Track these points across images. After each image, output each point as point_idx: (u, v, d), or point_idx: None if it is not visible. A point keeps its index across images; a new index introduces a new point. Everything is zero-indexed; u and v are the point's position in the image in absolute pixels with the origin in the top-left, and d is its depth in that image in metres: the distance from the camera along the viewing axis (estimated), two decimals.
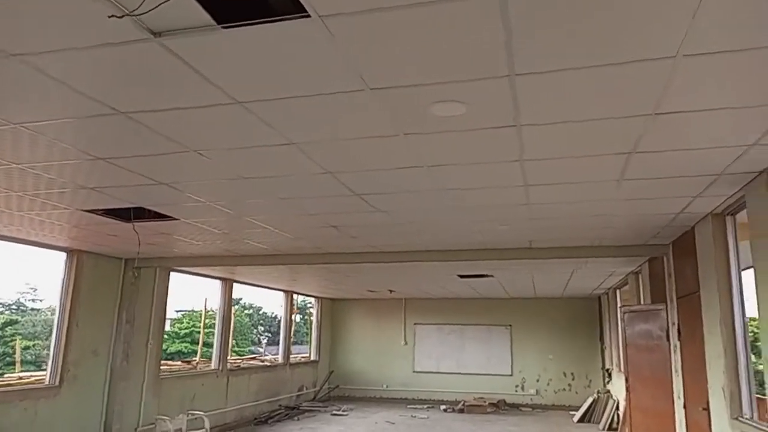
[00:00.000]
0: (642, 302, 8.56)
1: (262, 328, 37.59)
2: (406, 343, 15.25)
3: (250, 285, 11.93)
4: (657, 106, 2.69)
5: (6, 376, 7.47)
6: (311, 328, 15.61)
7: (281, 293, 13.53)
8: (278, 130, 3.03)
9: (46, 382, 6.84)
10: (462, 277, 9.89)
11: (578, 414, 11.97)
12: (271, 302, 46.79)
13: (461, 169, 3.73)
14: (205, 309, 11.98)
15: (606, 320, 12.51)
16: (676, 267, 6.11)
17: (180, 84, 2.47)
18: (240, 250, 7.29)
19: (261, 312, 36.88)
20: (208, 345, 23.35)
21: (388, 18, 1.95)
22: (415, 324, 15.28)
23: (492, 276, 9.75)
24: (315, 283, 12.15)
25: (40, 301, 23.50)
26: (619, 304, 11.36)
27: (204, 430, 7.67)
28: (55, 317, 7.09)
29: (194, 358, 10.61)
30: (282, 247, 6.99)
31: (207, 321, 23.23)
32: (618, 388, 10.96)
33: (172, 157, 3.50)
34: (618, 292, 11.34)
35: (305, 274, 10.33)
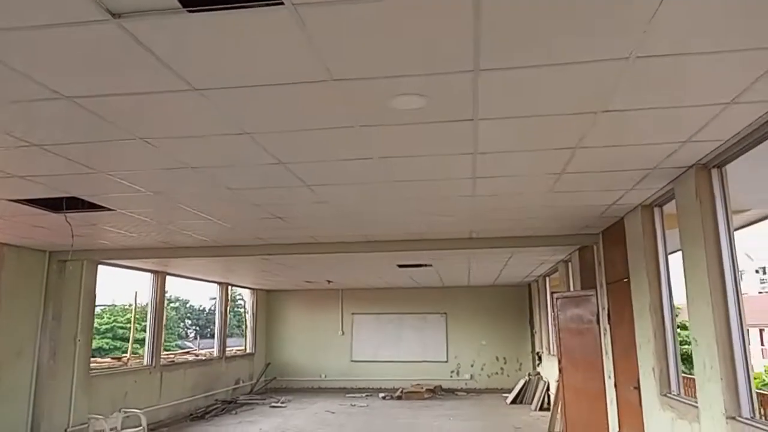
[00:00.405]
0: (572, 289, 9.00)
1: (190, 322, 36.53)
2: (343, 333, 15.30)
3: (183, 277, 11.55)
4: (605, 103, 2.83)
5: None
6: (245, 321, 15.33)
7: (215, 285, 13.21)
8: (234, 119, 2.95)
9: None
10: (401, 266, 10.03)
11: (511, 396, 12.47)
12: (198, 295, 45.51)
13: (412, 161, 3.77)
14: (136, 303, 11.48)
15: (536, 306, 13.07)
16: (606, 255, 6.47)
17: (134, 69, 2.35)
18: (176, 241, 7.04)
19: (188, 305, 35.82)
20: (124, 339, 22.35)
21: (361, 9, 1.94)
22: (352, 314, 15.35)
23: (430, 265, 9.94)
24: (251, 275, 11.93)
25: None
26: (548, 291, 11.91)
27: (141, 428, 7.38)
28: None
29: (124, 355, 10.16)
30: (221, 238, 6.82)
31: (129, 316, 22.30)
32: (548, 370, 11.51)
33: (116, 144, 3.33)
34: (548, 279, 11.86)
35: (242, 265, 10.12)
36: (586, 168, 4.02)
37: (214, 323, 12.65)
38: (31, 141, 3.23)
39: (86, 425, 7.60)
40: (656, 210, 5.12)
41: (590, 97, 2.74)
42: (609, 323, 6.35)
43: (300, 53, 2.24)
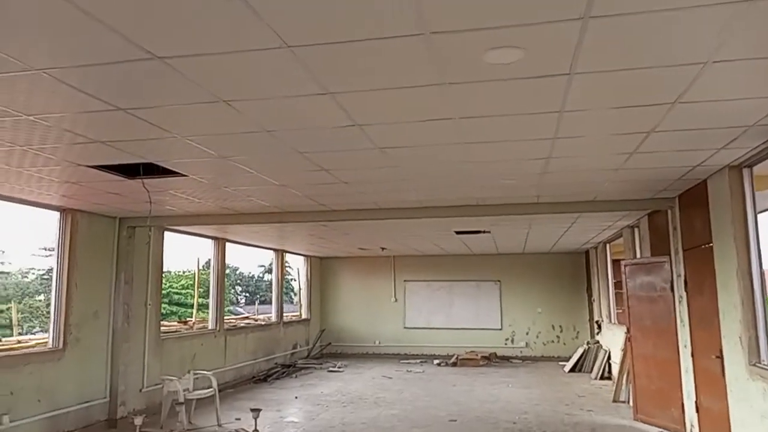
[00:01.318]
0: (639, 255, 8.70)
1: (240, 288, 37.65)
2: (396, 300, 15.39)
3: (241, 244, 11.78)
4: (715, 52, 2.61)
5: (5, 340, 7.28)
6: (299, 287, 15.59)
7: (264, 253, 13.43)
8: (320, 78, 2.87)
9: (50, 346, 6.70)
10: (459, 233, 9.91)
11: (569, 364, 12.33)
12: (247, 262, 46.72)
13: (493, 121, 3.62)
14: (198, 268, 11.81)
15: (594, 274, 12.75)
16: (683, 220, 6.17)
17: (231, 24, 2.29)
18: (239, 207, 7.12)
19: (238, 272, 36.85)
20: (180, 304, 23.16)
21: None
22: (405, 281, 15.40)
23: (488, 232, 9.79)
24: (306, 242, 12.07)
25: (9, 263, 23.06)
26: (609, 258, 11.59)
27: (211, 389, 7.64)
28: (53, 278, 6.89)
29: (190, 319, 10.52)
30: (283, 203, 6.82)
31: (186, 282, 22.98)
32: (608, 339, 11.28)
33: (198, 108, 3.31)
34: (608, 246, 11.52)
35: (297, 232, 10.23)
36: (679, 126, 3.78)
37: (263, 290, 12.77)
38: (117, 105, 3.26)
39: (159, 386, 7.93)
40: (745, 171, 4.81)
41: (700, 45, 2.53)
42: (685, 291, 6.10)
43: (399, 3, 2.12)
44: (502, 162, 4.79)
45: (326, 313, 15.80)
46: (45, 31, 2.34)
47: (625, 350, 8.71)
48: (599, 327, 12.29)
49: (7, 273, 22.51)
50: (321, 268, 15.90)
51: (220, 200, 6.60)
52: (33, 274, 23.30)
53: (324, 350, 15.19)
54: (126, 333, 7.68)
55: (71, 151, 4.24)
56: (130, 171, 4.91)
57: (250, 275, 37.74)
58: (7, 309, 20.23)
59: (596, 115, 3.54)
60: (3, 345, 6.65)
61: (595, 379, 11.07)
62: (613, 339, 10.82)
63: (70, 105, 3.23)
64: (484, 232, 9.69)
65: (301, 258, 15.13)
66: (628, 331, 7.39)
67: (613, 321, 11.37)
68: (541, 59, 2.65)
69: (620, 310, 12.60)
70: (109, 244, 7.62)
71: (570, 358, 12.90)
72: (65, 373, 6.78)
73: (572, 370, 12.15)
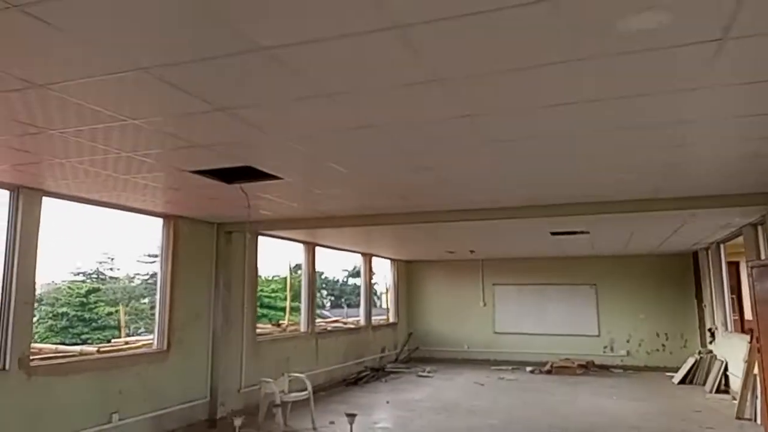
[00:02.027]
0: (764, 256, 7.82)
1: (325, 292, 38.38)
2: (485, 304, 14.93)
3: (330, 248, 11.83)
4: None
5: (114, 341, 7.65)
6: (387, 290, 15.50)
7: (352, 257, 13.43)
8: (430, 62, 2.66)
9: (155, 347, 6.95)
10: (555, 234, 9.38)
11: (678, 375, 11.38)
12: (331, 267, 47.50)
13: (625, 103, 3.22)
14: (290, 272, 12.01)
15: (706, 277, 11.70)
16: None
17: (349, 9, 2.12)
18: (330, 210, 7.08)
19: (323, 276, 37.59)
20: (270, 307, 23.77)
21: None
22: (493, 284, 14.91)
23: (587, 233, 9.18)
24: (392, 245, 11.93)
25: (118, 269, 24.64)
26: (723, 260, 10.58)
27: (306, 392, 7.64)
28: (158, 283, 7.15)
29: (282, 321, 10.69)
30: (376, 205, 6.68)
31: (276, 286, 23.55)
32: (724, 348, 10.29)
33: (301, 103, 3.20)
34: (722, 246, 10.52)
35: (384, 235, 10.08)
36: None
37: (347, 293, 12.65)
38: (220, 105, 3.20)
39: (255, 387, 8.03)
40: None
41: None
42: None
43: None
44: (628, 151, 4.32)
45: (413, 317, 15.61)
46: (148, 26, 2.28)
47: (749, 361, 7.86)
48: (712, 335, 11.24)
49: (116, 278, 24.11)
50: (407, 272, 15.74)
51: (312, 203, 6.57)
52: (138, 279, 24.82)
53: (412, 354, 14.99)
54: (226, 336, 7.84)
55: (174, 156, 4.30)
56: (228, 175, 4.93)
57: (335, 279, 38.47)
58: (116, 311, 21.69)
59: (747, 91, 3.07)
60: (112, 346, 6.96)
61: (711, 392, 10.11)
62: (730, 349, 9.84)
63: (171, 106, 3.21)
64: (582, 232, 9.11)
65: (388, 262, 15.03)
66: (757, 341, 6.61)
67: (729, 329, 10.36)
68: (691, 22, 2.28)
69: (737, 317, 11.52)
70: (208, 249, 7.83)
71: (679, 368, 11.90)
72: (169, 374, 6.99)
73: (682, 381, 11.19)
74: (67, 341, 18.72)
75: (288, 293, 11.76)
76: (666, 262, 13.33)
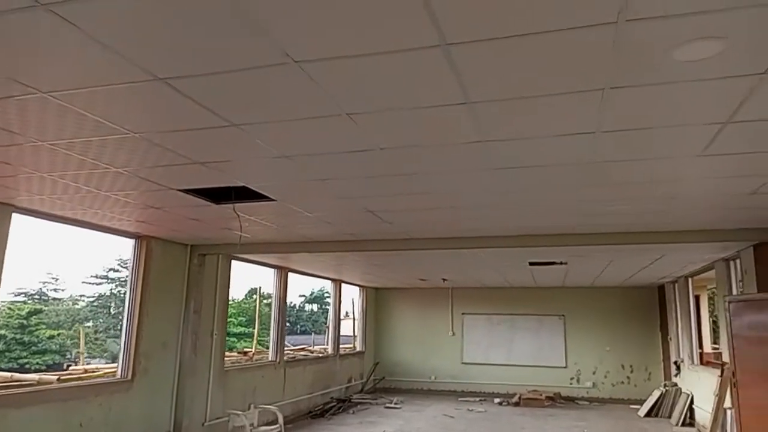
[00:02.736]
0: (735, 291, 8.02)
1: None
2: (453, 334, 14.81)
3: (302, 274, 11.54)
4: None
5: (72, 369, 7.13)
6: (354, 318, 15.20)
7: (328, 282, 13.16)
8: (461, 84, 2.55)
9: (118, 376, 6.49)
10: (533, 264, 9.41)
11: (644, 408, 11.47)
12: (289, 291, 46.63)
13: (644, 134, 3.19)
14: (260, 297, 11.59)
15: (672, 310, 11.94)
16: None
17: (399, 20, 2.00)
18: (313, 235, 6.87)
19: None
20: (230, 335, 23.03)
21: None
22: (463, 314, 14.83)
23: (565, 263, 9.25)
24: (363, 272, 11.73)
25: (62, 290, 23.50)
26: (691, 293, 10.83)
27: (277, 426, 7.29)
28: (125, 307, 6.72)
29: (249, 349, 10.26)
30: (363, 230, 6.53)
31: (257, 310, 22.93)
32: (691, 381, 10.44)
33: (313, 123, 3.04)
34: (690, 280, 10.78)
35: (357, 261, 9.91)
36: None
37: (304, 320, 12.06)
38: (232, 121, 3.01)
39: (222, 420, 7.62)
40: None
41: None
42: None
43: None
44: (634, 184, 4.32)
45: (380, 345, 15.33)
46: (174, 33, 2.10)
47: (719, 395, 7.96)
48: (678, 368, 11.42)
49: (60, 300, 22.94)
50: (376, 299, 15.50)
51: (297, 227, 6.34)
52: (84, 300, 23.67)
53: (377, 384, 14.67)
54: (193, 364, 7.43)
55: (167, 173, 4.04)
56: (217, 195, 4.69)
57: (291, 305, 37.72)
58: (58, 334, 20.50)
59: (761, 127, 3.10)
60: (70, 374, 6.47)
61: (677, 425, 10.21)
62: (697, 382, 10.00)
63: (181, 119, 2.99)
64: (560, 263, 9.16)
65: (356, 288, 14.78)
66: (733, 375, 6.69)
67: (695, 362, 10.55)
68: (739, 54, 2.26)
69: (701, 351, 11.74)
70: (180, 272, 7.45)
71: (643, 401, 12.03)
72: (133, 405, 6.53)
73: (648, 414, 11.28)
74: (2, 366, 17.53)
75: (257, 319, 11.33)
76: (632, 294, 13.57)
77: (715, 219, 5.59)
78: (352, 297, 14.84)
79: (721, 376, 7.93)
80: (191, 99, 2.71)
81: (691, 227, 6.04)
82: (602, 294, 13.68)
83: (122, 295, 20.18)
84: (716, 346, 16.47)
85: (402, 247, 6.99)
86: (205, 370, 7.77)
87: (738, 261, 7.58)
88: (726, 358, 8.11)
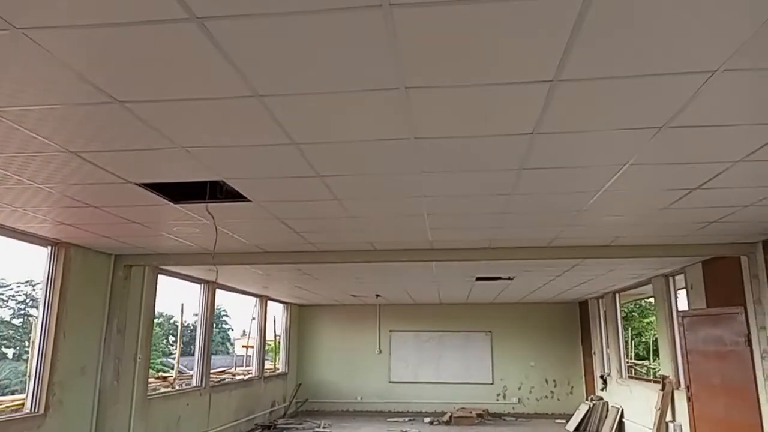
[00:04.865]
0: (674, 306, 8.28)
1: (173, 338, 34.95)
2: (380, 352, 14.36)
3: (228, 289, 10.59)
4: None
5: None
6: (277, 337, 14.25)
7: (253, 298, 12.22)
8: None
9: (27, 410, 5.35)
10: (479, 279, 9.22)
11: (572, 423, 11.63)
12: (178, 310, 43.86)
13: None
14: (182, 316, 10.46)
15: (597, 325, 12.28)
16: None
17: None
18: (261, 244, 6.16)
19: (172, 321, 34.28)
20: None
21: None
22: (390, 331, 14.43)
23: (512, 279, 9.14)
24: (291, 287, 10.97)
25: None
26: (618, 309, 11.18)
27: None
28: (37, 327, 5.60)
29: (169, 374, 9.14)
30: (311, 240, 5.92)
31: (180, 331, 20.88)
32: (621, 395, 10.71)
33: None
34: (617, 296, 11.13)
35: (285, 275, 9.20)
36: None
37: (196, 339, 10.82)
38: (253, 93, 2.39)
39: None
40: None
41: None
42: None
43: None
44: (634, 194, 4.13)
45: (303, 366, 14.52)
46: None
47: (662, 409, 8.13)
48: (605, 382, 11.73)
49: None
50: (299, 317, 14.69)
51: (263, 233, 5.60)
52: None
53: (300, 408, 13.82)
54: (116, 393, 6.38)
55: (130, 159, 3.27)
56: (180, 192, 3.95)
57: (185, 324, 35.37)
58: None
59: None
60: None
61: None
62: (628, 396, 10.26)
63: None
64: (507, 278, 9.04)
65: (280, 305, 13.90)
66: (688, 389, 6.81)
67: (623, 376, 10.85)
68: None
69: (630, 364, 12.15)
70: (102, 285, 6.39)
71: (569, 415, 12.26)
72: None
73: (577, 428, 11.45)
74: None
75: (179, 340, 10.17)
76: (555, 310, 13.87)
77: (670, 235, 5.60)
78: (252, 315, 13.57)
79: (663, 390, 8.12)
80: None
81: (651, 242, 6.04)
82: (527, 310, 13.87)
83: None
84: (637, 361, 17.38)
85: (365, 258, 6.45)
86: (127, 399, 6.72)
87: (682, 276, 7.80)
88: (666, 371, 8.33)
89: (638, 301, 17.86)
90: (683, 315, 7.03)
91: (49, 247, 5.71)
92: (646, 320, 20.72)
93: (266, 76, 2.23)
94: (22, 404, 5.49)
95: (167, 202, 4.16)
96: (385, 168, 3.37)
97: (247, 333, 14.21)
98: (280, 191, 3.96)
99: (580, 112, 2.56)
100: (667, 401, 8.09)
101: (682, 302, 8.17)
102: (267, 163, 3.33)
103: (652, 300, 19.22)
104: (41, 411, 5.40)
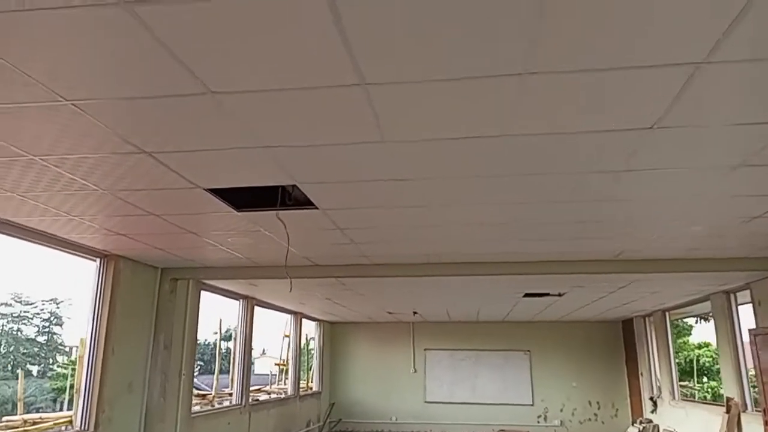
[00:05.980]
0: (737, 324, 7.87)
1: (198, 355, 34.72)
2: (415, 371, 13.99)
3: (265, 306, 10.40)
4: None
5: (5, 419, 5.67)
6: (313, 356, 13.97)
7: (288, 316, 12.00)
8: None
9: (77, 427, 5.18)
10: (528, 295, 8.89)
11: None
12: (201, 330, 43.72)
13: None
14: (221, 331, 10.26)
15: (644, 345, 11.79)
16: None
17: None
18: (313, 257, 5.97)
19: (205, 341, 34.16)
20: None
21: None
22: (425, 350, 14.08)
23: (561, 295, 8.79)
24: (325, 304, 10.72)
25: None
26: (669, 328, 10.72)
27: None
28: (86, 343, 5.45)
29: (209, 392, 8.93)
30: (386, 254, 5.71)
31: (218, 347, 21.00)
32: (675, 418, 10.19)
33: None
34: (667, 314, 10.68)
35: (320, 291, 8.95)
36: None
37: (235, 356, 10.30)
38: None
39: None
40: None
41: None
42: None
43: None
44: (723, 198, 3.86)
45: (336, 385, 14.21)
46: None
47: None
48: (655, 404, 11.21)
49: None
50: (332, 335, 14.43)
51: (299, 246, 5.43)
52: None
53: (334, 428, 13.50)
54: (162, 410, 6.19)
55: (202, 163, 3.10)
56: (243, 199, 3.77)
57: (206, 343, 35.25)
58: None
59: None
60: (8, 422, 5.13)
61: None
62: (683, 418, 9.76)
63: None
64: (557, 294, 8.69)
65: (313, 323, 13.67)
66: (765, 413, 6.38)
67: (676, 398, 10.35)
68: None
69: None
70: (149, 299, 6.26)
71: None
72: None
73: None
74: None
75: (218, 357, 9.98)
76: (596, 329, 13.39)
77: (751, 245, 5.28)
78: (285, 332, 13.25)
79: (728, 413, 7.66)
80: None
81: (730, 255, 5.71)
82: (567, 329, 13.42)
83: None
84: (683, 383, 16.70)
85: (422, 272, 6.21)
86: (173, 417, 6.52)
87: (746, 292, 7.39)
88: (730, 393, 7.88)
89: (675, 321, 17.33)
90: (755, 333, 6.61)
91: (98, 260, 5.58)
92: (680, 340, 20.08)
93: (376, 61, 2.03)
94: (69, 421, 5.33)
95: (231, 209, 3.99)
96: (477, 170, 3.15)
97: (280, 350, 13.99)
98: (353, 197, 3.76)
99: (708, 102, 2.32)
100: (733, 425, 7.63)
101: (744, 319, 7.78)
102: (349, 164, 3.13)
103: (688, 320, 18.60)
104: (91, 428, 5.22)
